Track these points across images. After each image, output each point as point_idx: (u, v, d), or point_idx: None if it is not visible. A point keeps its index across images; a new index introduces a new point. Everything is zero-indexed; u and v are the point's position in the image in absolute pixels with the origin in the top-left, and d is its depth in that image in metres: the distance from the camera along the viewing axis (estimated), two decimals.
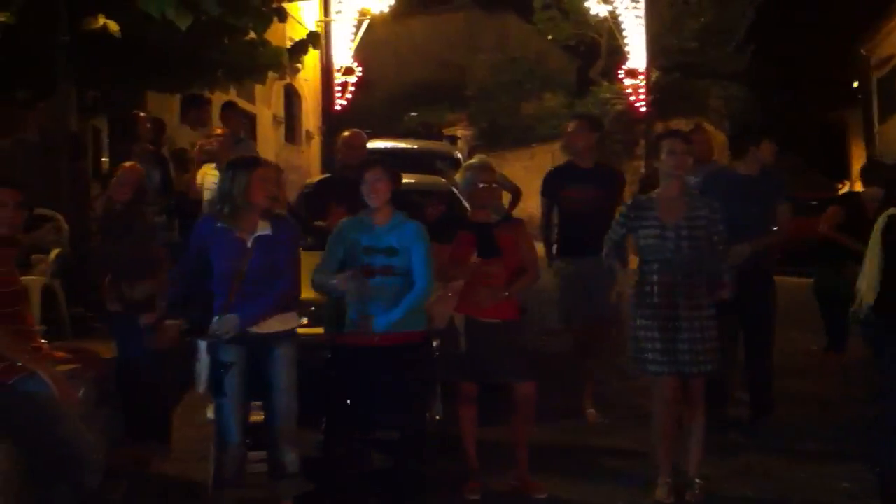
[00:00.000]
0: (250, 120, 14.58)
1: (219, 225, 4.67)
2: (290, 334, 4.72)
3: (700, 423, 5.18)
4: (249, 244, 4.62)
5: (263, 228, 4.66)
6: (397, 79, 23.75)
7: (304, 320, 5.06)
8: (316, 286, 4.90)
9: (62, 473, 4.28)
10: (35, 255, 6.60)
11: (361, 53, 15.98)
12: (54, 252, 6.83)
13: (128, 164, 6.00)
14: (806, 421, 6.59)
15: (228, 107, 9.67)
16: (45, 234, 6.87)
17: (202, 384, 4.81)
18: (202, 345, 4.76)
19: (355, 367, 4.82)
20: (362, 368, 4.80)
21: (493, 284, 5.23)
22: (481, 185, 5.34)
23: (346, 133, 6.18)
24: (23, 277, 4.91)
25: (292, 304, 4.82)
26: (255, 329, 4.62)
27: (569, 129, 6.93)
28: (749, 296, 6.00)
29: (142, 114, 8.24)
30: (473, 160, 5.50)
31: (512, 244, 5.33)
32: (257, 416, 4.81)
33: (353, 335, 4.81)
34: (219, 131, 8.25)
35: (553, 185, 6.81)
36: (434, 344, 5.25)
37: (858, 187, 7.01)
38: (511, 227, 5.43)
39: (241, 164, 4.77)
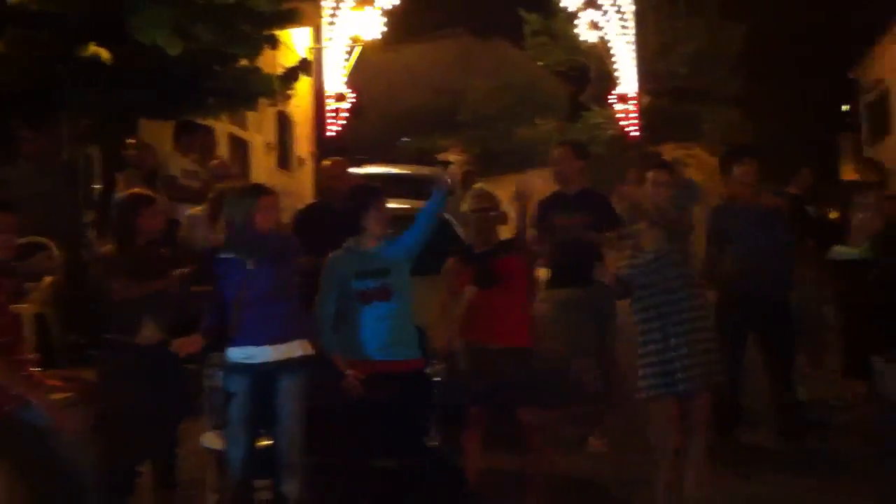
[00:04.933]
0: (243, 146, 14.60)
1: (223, 255, 4.73)
2: (296, 363, 4.70)
3: (698, 445, 5.01)
4: (251, 266, 4.64)
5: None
6: (390, 105, 23.79)
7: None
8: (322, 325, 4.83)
9: (60, 502, 4.26)
10: (28, 282, 6.57)
11: (354, 79, 16.03)
12: (47, 280, 6.80)
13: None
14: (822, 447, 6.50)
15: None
16: (39, 261, 6.85)
17: (210, 412, 4.78)
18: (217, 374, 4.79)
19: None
20: (364, 397, 4.77)
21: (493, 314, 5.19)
22: (492, 213, 5.38)
23: (326, 162, 6.21)
24: (15, 305, 4.90)
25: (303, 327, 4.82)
26: (259, 359, 4.63)
27: (553, 157, 6.90)
28: (769, 316, 6.09)
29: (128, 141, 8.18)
30: (476, 187, 5.49)
31: (513, 271, 5.29)
32: (264, 442, 4.79)
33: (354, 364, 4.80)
34: (215, 163, 8.23)
35: (542, 215, 6.69)
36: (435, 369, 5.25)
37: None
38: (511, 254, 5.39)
39: (246, 192, 4.84)
